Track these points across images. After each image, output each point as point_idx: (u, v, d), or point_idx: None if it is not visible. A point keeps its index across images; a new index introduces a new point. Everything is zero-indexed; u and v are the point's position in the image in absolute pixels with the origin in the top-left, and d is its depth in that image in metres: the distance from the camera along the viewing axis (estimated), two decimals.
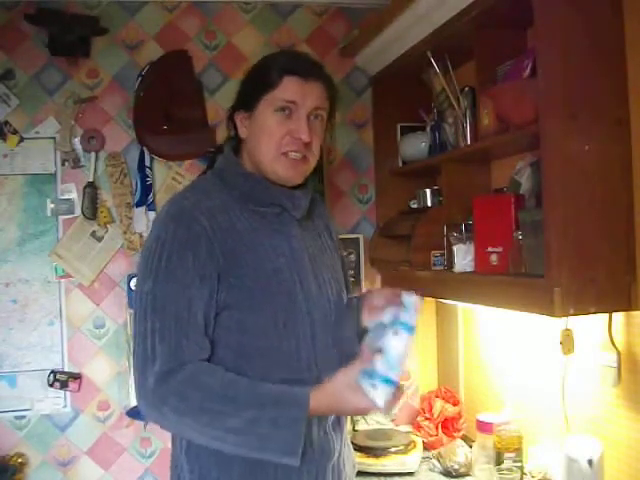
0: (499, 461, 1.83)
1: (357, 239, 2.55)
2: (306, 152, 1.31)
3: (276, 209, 1.33)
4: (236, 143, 1.39)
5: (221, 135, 1.46)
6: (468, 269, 1.83)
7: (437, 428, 2.31)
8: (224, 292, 1.23)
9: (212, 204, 1.27)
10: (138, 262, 1.30)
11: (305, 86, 1.28)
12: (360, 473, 2.03)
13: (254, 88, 1.31)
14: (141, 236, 2.33)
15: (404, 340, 1.12)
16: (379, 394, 1.10)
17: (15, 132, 2.29)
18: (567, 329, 1.63)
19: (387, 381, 1.09)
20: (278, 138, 1.29)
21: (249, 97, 1.32)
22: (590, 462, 1.54)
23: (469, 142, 1.95)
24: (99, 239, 2.35)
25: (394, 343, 1.11)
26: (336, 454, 1.33)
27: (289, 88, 1.28)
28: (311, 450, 1.26)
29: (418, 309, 1.17)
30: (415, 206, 2.33)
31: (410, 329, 1.13)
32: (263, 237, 1.29)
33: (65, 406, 2.30)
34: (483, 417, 1.99)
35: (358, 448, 2.09)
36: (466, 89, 1.98)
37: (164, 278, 1.21)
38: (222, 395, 1.16)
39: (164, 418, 1.19)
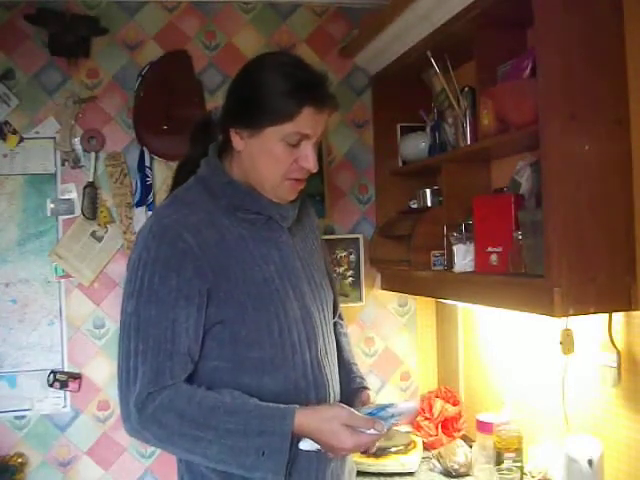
0: (499, 461, 1.83)
1: (357, 239, 2.55)
2: (306, 176, 1.30)
3: (264, 217, 1.31)
4: (220, 144, 1.34)
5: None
6: (468, 269, 1.83)
7: (437, 428, 2.31)
8: (215, 307, 1.22)
9: (197, 218, 1.24)
10: (124, 279, 1.27)
11: (318, 117, 1.23)
12: (360, 473, 2.04)
13: (264, 114, 1.21)
14: None
15: None
16: (303, 440, 1.21)
17: (15, 132, 2.29)
18: (567, 329, 1.63)
19: None
20: (285, 167, 1.25)
21: (254, 120, 1.22)
22: (590, 462, 1.54)
23: (469, 142, 1.95)
24: (99, 239, 2.35)
25: None
26: (334, 461, 1.32)
27: (305, 122, 1.21)
28: (309, 456, 1.25)
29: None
30: (415, 206, 2.33)
31: None
32: (252, 246, 1.27)
33: (65, 406, 2.30)
34: (483, 417, 1.99)
35: None
36: (466, 89, 1.98)
37: (147, 299, 1.19)
38: (201, 422, 1.15)
39: (147, 441, 1.21)
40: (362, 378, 1.49)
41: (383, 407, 1.25)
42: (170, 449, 1.20)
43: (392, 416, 1.22)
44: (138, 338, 1.18)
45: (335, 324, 1.54)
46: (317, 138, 1.26)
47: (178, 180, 1.39)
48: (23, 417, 2.27)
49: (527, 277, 1.58)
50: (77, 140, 2.33)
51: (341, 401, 1.34)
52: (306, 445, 1.24)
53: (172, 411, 1.16)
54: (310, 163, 1.25)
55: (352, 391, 1.43)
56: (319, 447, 1.23)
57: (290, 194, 1.31)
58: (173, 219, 1.23)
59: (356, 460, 1.94)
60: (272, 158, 1.24)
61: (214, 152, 1.33)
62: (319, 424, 1.17)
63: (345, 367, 1.47)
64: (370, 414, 1.22)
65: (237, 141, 1.27)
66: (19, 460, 2.21)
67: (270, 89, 1.21)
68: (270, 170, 1.26)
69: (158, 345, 1.17)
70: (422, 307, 2.61)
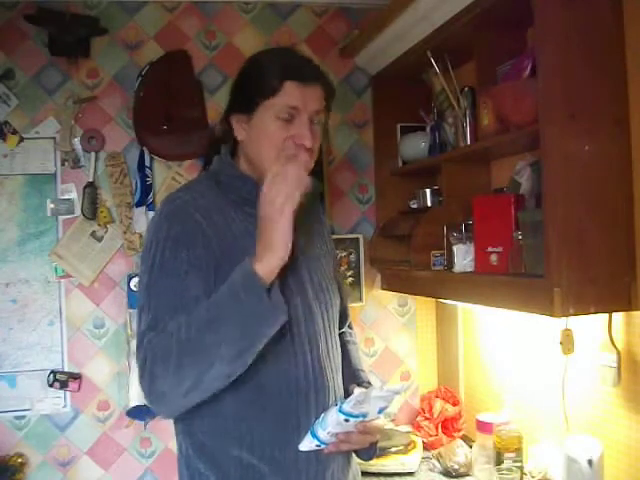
0: (499, 461, 1.83)
1: (357, 239, 2.55)
2: (307, 156, 1.30)
3: None
4: (232, 144, 1.37)
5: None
6: (468, 269, 1.83)
7: (437, 428, 2.31)
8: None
9: (207, 202, 1.27)
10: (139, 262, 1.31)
11: (305, 90, 1.26)
12: (360, 473, 2.03)
13: (252, 93, 1.28)
14: (141, 236, 2.33)
15: (340, 420, 1.23)
16: (304, 440, 1.24)
17: (15, 132, 2.29)
18: (567, 329, 1.63)
19: (312, 433, 1.24)
20: (279, 143, 1.27)
21: (247, 101, 1.29)
22: (590, 462, 1.54)
23: (469, 142, 1.95)
24: (99, 239, 2.35)
25: (335, 416, 1.23)
26: (335, 462, 1.32)
27: (290, 94, 1.25)
28: (308, 457, 1.25)
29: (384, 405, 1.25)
30: (415, 206, 2.33)
31: (355, 417, 1.24)
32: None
33: (65, 406, 2.30)
34: (483, 417, 1.99)
35: None
36: (466, 89, 1.99)
37: (159, 273, 1.21)
38: (188, 325, 1.14)
39: (165, 396, 1.15)
40: (369, 383, 1.48)
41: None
42: (186, 378, 1.13)
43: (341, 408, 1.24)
44: (149, 308, 1.19)
45: (344, 333, 1.54)
46: (312, 115, 1.27)
47: None
48: (23, 417, 2.27)
49: (527, 277, 1.58)
50: (77, 140, 2.33)
51: None
52: (305, 445, 1.24)
53: (164, 336, 1.14)
54: (304, 139, 1.26)
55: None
56: (318, 444, 1.23)
57: None
58: (184, 200, 1.26)
59: (357, 460, 1.95)
60: (267, 136, 1.27)
61: (226, 150, 1.37)
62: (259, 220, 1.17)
63: (352, 374, 1.47)
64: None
65: (239, 130, 1.32)
66: (19, 460, 2.21)
67: (256, 70, 1.29)
68: (267, 149, 1.28)
69: (172, 313, 1.17)
70: (422, 307, 2.62)
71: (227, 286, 1.16)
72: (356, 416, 1.22)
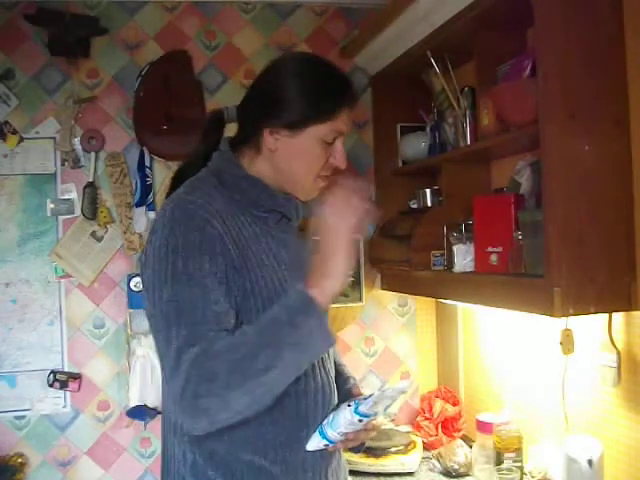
0: (499, 461, 1.83)
1: (357, 239, 2.54)
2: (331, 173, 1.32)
3: (277, 215, 1.31)
4: (236, 141, 1.32)
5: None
6: (468, 269, 1.83)
7: (437, 428, 2.31)
8: (240, 296, 1.20)
9: (219, 207, 1.22)
10: (143, 268, 1.22)
11: (350, 115, 1.28)
12: (360, 473, 2.04)
13: (306, 114, 1.24)
14: (141, 236, 2.33)
15: (354, 420, 1.23)
16: (311, 440, 1.25)
17: (15, 132, 2.29)
18: (567, 329, 1.63)
19: (321, 433, 1.25)
20: (321, 165, 1.28)
21: (296, 120, 1.24)
22: (590, 462, 1.54)
23: (469, 142, 1.95)
24: (99, 239, 2.35)
25: (349, 417, 1.24)
26: (334, 458, 1.33)
27: (342, 120, 1.26)
28: (313, 455, 1.26)
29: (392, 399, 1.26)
30: (415, 206, 2.32)
31: (366, 417, 1.24)
32: (265, 244, 1.27)
33: (65, 406, 2.30)
34: (483, 417, 1.99)
35: None
36: (466, 89, 1.99)
37: (185, 283, 1.14)
38: (236, 347, 1.10)
39: (208, 414, 1.10)
40: (354, 378, 1.49)
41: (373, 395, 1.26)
42: (233, 399, 1.10)
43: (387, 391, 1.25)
44: (180, 323, 1.13)
45: None
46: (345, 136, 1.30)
47: (184, 177, 1.34)
48: (23, 417, 2.27)
49: (527, 277, 1.58)
50: (77, 140, 2.33)
51: (338, 402, 1.34)
52: (313, 445, 1.25)
53: (210, 357, 1.09)
54: (340, 160, 1.28)
55: (346, 391, 1.43)
56: (326, 444, 1.24)
57: (317, 191, 1.33)
58: (198, 204, 1.20)
59: (356, 460, 1.95)
60: (309, 156, 1.27)
61: (227, 146, 1.31)
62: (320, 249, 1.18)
63: (337, 369, 1.47)
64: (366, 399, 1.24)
65: (271, 141, 1.26)
66: (19, 460, 2.21)
67: (312, 89, 1.26)
68: (305, 169, 1.28)
69: (204, 326, 1.13)
70: (422, 307, 2.62)
71: (281, 311, 1.13)
72: (369, 416, 1.23)
